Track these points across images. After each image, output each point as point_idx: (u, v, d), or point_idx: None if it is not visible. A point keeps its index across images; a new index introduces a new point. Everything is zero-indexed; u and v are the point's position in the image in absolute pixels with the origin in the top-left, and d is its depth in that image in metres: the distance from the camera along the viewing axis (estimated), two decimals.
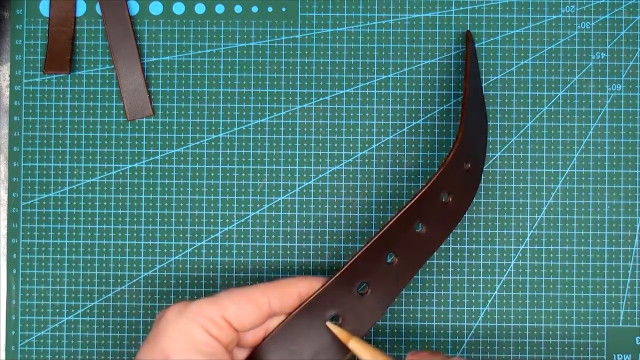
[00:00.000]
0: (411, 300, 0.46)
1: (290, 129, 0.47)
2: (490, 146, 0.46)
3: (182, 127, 0.47)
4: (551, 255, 0.46)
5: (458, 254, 0.46)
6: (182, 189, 0.46)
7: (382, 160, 0.46)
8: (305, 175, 0.46)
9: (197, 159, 0.47)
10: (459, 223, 0.44)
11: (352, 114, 0.47)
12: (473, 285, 0.46)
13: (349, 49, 0.47)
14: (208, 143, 0.47)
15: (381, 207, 0.46)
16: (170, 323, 0.36)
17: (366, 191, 0.46)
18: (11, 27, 0.47)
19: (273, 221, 0.46)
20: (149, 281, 0.46)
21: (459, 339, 0.46)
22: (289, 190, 0.46)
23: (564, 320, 0.46)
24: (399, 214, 0.39)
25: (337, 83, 0.47)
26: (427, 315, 0.46)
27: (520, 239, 0.46)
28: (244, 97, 0.47)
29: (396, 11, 0.47)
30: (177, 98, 0.47)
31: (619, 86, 0.46)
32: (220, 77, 0.47)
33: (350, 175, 0.46)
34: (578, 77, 0.46)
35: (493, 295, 0.46)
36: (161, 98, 0.47)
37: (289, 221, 0.46)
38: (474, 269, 0.46)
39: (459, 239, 0.46)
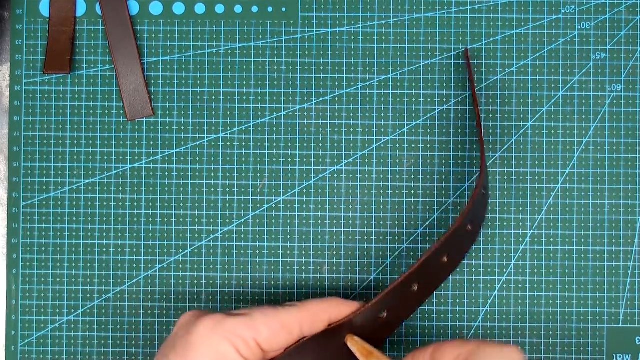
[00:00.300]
0: None
1: (290, 129, 0.47)
2: (491, 146, 0.46)
3: (182, 127, 0.47)
4: (551, 255, 0.46)
5: None
6: (182, 189, 0.46)
7: (382, 160, 0.46)
8: (305, 175, 0.46)
9: (197, 159, 0.47)
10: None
11: (352, 114, 0.47)
12: (473, 285, 0.46)
13: (349, 49, 0.47)
14: (208, 143, 0.47)
15: (381, 207, 0.46)
16: (203, 337, 0.36)
17: (366, 191, 0.46)
18: (11, 27, 0.47)
19: (273, 221, 0.46)
20: (149, 281, 0.46)
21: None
22: (289, 190, 0.46)
23: (564, 320, 0.46)
24: (431, 251, 0.40)
25: (337, 83, 0.47)
26: (427, 315, 0.46)
27: (520, 239, 0.46)
28: (244, 97, 0.47)
29: (396, 11, 0.47)
30: (177, 98, 0.47)
31: (619, 86, 0.46)
32: (220, 77, 0.47)
33: (350, 175, 0.46)
34: (578, 77, 0.46)
35: (493, 295, 0.46)
36: (161, 98, 0.47)
37: (289, 221, 0.46)
38: (474, 269, 0.46)
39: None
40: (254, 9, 0.47)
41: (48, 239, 0.46)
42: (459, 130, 0.46)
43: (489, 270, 0.46)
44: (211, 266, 0.46)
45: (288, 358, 0.38)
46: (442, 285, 0.46)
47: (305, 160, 0.46)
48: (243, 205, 0.46)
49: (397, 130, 0.47)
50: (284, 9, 0.47)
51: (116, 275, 0.46)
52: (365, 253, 0.46)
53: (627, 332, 0.46)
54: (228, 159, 0.47)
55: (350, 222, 0.46)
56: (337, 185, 0.46)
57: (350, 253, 0.46)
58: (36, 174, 0.46)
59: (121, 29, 0.46)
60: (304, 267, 0.46)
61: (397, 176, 0.46)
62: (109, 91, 0.47)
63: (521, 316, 0.46)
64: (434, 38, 0.47)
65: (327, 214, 0.46)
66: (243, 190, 0.46)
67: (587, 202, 0.46)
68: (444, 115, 0.46)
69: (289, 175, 0.46)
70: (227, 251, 0.46)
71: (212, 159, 0.47)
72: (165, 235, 0.46)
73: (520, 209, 0.46)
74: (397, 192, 0.46)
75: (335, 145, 0.47)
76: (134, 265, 0.46)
